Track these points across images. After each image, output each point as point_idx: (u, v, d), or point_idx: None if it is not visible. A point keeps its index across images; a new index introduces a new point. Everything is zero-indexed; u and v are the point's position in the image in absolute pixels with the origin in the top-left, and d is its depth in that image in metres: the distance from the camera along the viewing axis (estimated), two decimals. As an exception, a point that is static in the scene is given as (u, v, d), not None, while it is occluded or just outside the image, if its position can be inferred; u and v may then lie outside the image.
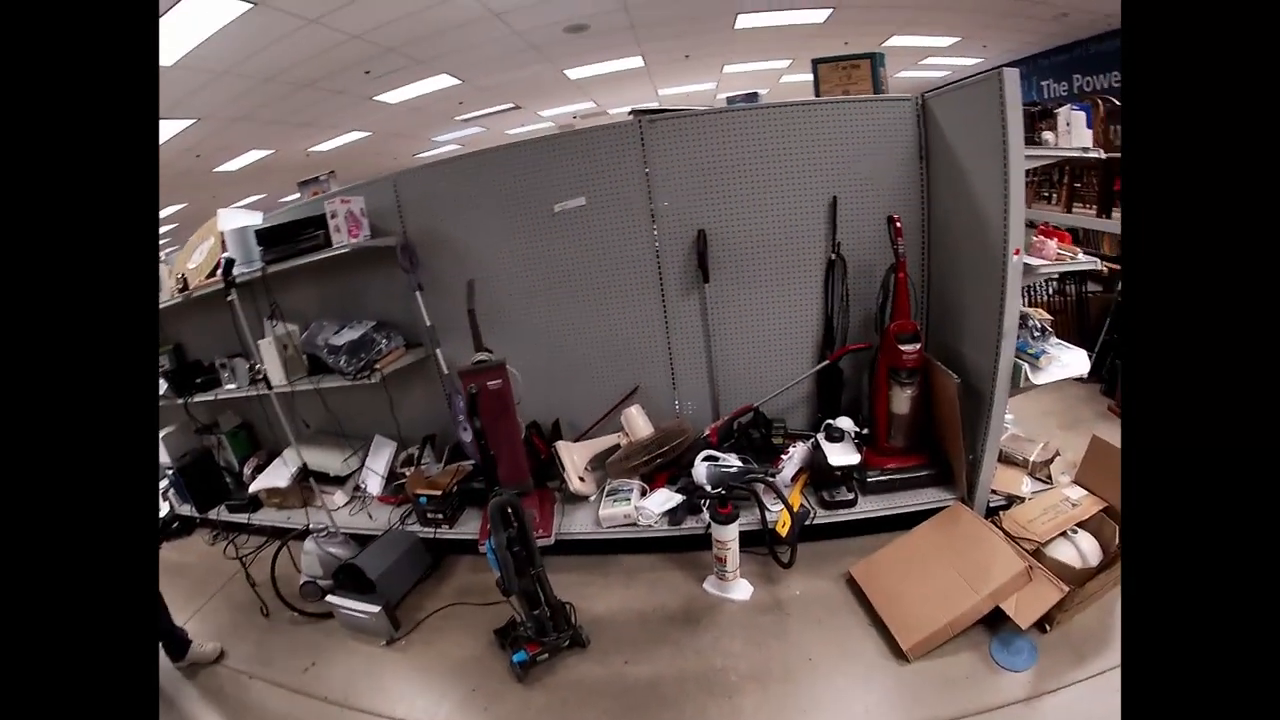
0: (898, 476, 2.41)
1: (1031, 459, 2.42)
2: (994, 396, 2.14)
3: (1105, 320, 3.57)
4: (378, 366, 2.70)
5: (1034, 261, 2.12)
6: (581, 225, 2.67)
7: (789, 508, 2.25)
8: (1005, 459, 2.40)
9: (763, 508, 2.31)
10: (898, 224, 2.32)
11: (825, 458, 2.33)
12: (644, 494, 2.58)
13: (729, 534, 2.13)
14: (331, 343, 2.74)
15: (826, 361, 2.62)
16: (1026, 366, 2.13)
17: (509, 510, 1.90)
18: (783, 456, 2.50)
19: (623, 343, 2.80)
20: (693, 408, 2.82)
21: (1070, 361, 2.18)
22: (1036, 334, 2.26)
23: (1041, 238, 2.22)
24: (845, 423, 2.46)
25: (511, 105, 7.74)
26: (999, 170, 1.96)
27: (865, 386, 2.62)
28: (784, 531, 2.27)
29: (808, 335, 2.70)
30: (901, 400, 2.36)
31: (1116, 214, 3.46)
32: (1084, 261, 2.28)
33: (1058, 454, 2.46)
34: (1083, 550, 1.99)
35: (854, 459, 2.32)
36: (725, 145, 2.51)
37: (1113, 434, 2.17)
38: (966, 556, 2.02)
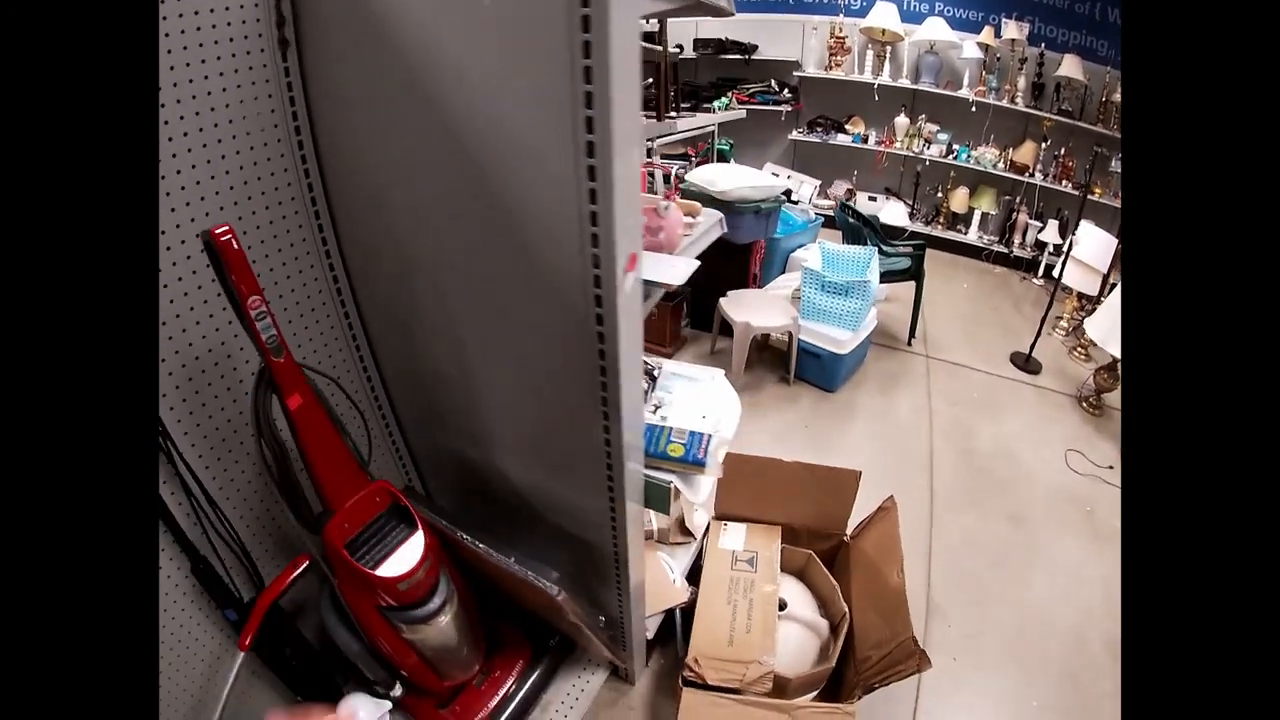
0: (510, 709, 1.26)
1: (654, 525, 1.61)
2: (623, 551, 1.14)
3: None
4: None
5: (660, 276, 0.97)
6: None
7: None
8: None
9: None
10: (225, 240, 0.80)
11: None
12: None
13: None
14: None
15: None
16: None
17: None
18: None
19: None
20: None
21: (727, 416, 1.25)
22: (649, 384, 1.26)
23: (657, 200, 1.13)
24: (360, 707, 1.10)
25: None
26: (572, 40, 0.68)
27: (333, 622, 1.18)
28: None
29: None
30: (434, 632, 1.10)
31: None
32: (711, 224, 1.36)
33: (678, 492, 1.71)
34: (810, 622, 1.42)
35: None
36: None
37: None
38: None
